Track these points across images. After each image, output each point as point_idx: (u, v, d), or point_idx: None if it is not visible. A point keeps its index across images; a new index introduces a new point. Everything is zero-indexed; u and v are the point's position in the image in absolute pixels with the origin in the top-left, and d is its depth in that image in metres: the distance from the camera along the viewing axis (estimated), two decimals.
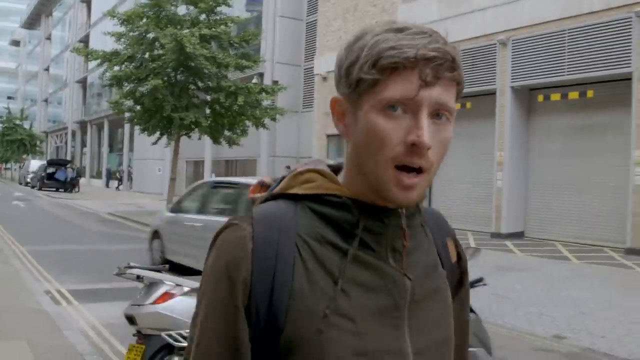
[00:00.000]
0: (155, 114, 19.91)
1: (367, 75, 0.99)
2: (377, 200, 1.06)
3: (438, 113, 1.00)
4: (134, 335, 4.59)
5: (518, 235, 17.27)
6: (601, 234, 15.47)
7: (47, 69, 76.99)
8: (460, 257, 1.28)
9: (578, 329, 7.68)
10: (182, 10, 21.49)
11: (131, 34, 20.36)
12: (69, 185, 40.26)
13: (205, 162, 32.68)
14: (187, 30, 19.45)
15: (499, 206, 17.28)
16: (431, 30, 1.01)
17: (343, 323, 1.02)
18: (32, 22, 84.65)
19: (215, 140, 21.27)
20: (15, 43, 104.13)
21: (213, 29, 19.94)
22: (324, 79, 24.12)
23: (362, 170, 1.05)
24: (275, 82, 25.90)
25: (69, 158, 55.86)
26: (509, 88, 17.08)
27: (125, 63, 20.41)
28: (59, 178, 40.60)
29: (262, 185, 1.26)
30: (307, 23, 27.51)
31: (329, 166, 1.17)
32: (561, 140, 16.75)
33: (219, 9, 20.60)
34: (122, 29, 20.43)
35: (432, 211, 1.28)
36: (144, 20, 20.28)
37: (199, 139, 21.79)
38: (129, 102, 20.40)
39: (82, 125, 58.83)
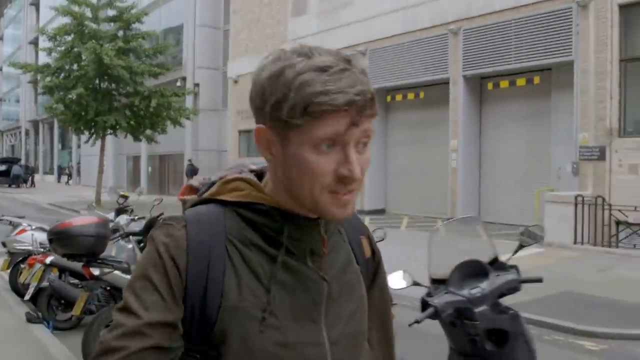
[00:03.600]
0: (82, 117, 23.15)
1: (299, 121, 1.03)
2: (298, 209, 1.15)
3: (361, 141, 1.09)
4: (5, 253, 8.34)
5: (380, 212, 20.74)
6: (435, 208, 18.84)
7: (0, 69, 77.98)
8: (374, 252, 1.41)
9: None
10: (105, 26, 24.56)
11: (59, 48, 23.48)
12: (20, 181, 43.22)
13: (142, 157, 35.64)
14: (108, 45, 22.75)
15: (362, 187, 20.70)
16: (346, 61, 1.07)
17: (268, 319, 1.11)
18: None
19: (136, 139, 24.54)
20: None
21: (131, 43, 23.26)
22: (235, 82, 27.20)
23: (294, 195, 1.12)
24: (197, 85, 29.41)
25: (23, 156, 58.39)
26: None
27: (55, 74, 23.52)
28: (14, 174, 43.45)
29: (191, 188, 1.30)
30: (224, 31, 30.38)
31: (253, 171, 1.27)
32: (409, 133, 20.24)
33: (134, 25, 23.90)
34: (50, 45, 23.58)
35: None
36: (71, 35, 23.38)
37: (125, 137, 24.88)
38: (60, 107, 23.51)
39: (35, 124, 60.57)
